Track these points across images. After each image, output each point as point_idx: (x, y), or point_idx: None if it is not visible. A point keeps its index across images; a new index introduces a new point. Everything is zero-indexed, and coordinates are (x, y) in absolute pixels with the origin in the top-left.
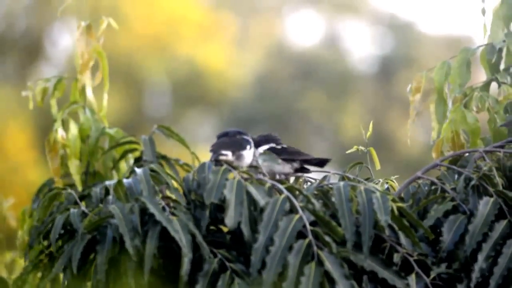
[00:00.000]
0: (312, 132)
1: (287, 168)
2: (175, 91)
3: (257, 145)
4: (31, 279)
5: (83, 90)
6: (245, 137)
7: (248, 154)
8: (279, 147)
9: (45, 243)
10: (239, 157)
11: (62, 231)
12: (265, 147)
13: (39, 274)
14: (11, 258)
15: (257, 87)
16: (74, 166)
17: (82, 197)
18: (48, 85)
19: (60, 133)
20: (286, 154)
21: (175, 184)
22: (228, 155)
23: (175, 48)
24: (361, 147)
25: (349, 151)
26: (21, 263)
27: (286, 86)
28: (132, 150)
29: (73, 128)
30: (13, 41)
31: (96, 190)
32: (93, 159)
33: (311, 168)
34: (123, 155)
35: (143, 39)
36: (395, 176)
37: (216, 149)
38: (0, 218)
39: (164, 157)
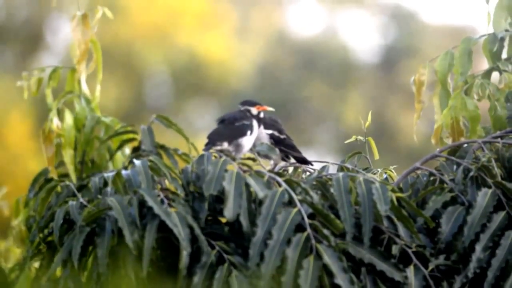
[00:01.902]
0: (314, 122)
1: (279, 157)
2: (175, 81)
3: (265, 126)
4: (27, 268)
5: (79, 80)
6: (245, 122)
7: (248, 141)
8: (282, 136)
9: (45, 231)
10: (237, 146)
11: (61, 221)
12: (269, 131)
13: (37, 263)
14: (5, 247)
15: (258, 77)
16: (68, 156)
17: (80, 187)
18: (43, 75)
19: (55, 122)
20: (283, 146)
21: (173, 175)
22: (223, 145)
23: (175, 37)
24: (360, 137)
25: (348, 141)
26: (16, 252)
27: (287, 75)
28: (130, 140)
29: (68, 118)
30: (14, 31)
31: (95, 180)
32: (89, 148)
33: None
34: (121, 145)
35: (143, 29)
36: (394, 166)
37: (210, 141)
38: None
39: (162, 147)
